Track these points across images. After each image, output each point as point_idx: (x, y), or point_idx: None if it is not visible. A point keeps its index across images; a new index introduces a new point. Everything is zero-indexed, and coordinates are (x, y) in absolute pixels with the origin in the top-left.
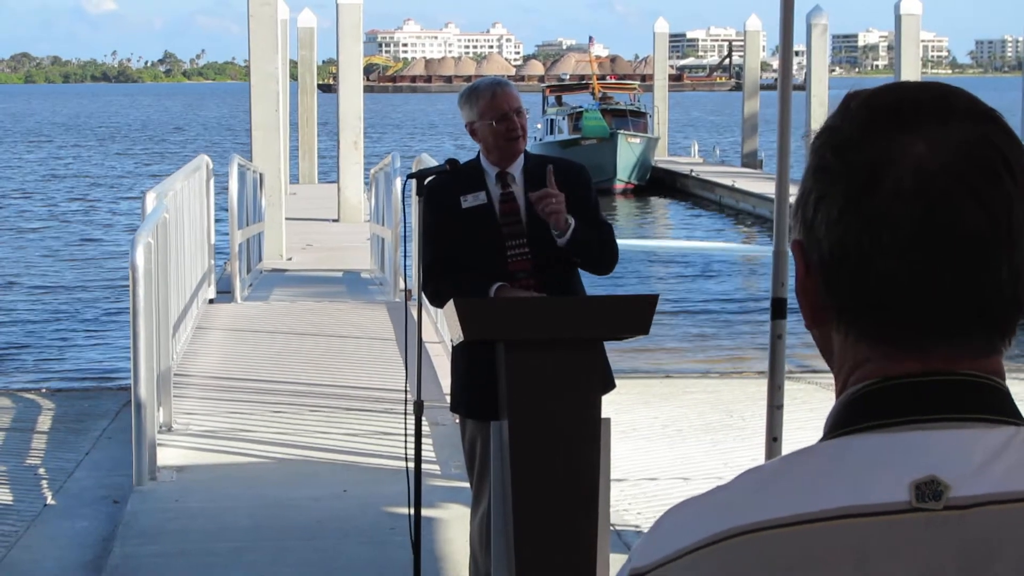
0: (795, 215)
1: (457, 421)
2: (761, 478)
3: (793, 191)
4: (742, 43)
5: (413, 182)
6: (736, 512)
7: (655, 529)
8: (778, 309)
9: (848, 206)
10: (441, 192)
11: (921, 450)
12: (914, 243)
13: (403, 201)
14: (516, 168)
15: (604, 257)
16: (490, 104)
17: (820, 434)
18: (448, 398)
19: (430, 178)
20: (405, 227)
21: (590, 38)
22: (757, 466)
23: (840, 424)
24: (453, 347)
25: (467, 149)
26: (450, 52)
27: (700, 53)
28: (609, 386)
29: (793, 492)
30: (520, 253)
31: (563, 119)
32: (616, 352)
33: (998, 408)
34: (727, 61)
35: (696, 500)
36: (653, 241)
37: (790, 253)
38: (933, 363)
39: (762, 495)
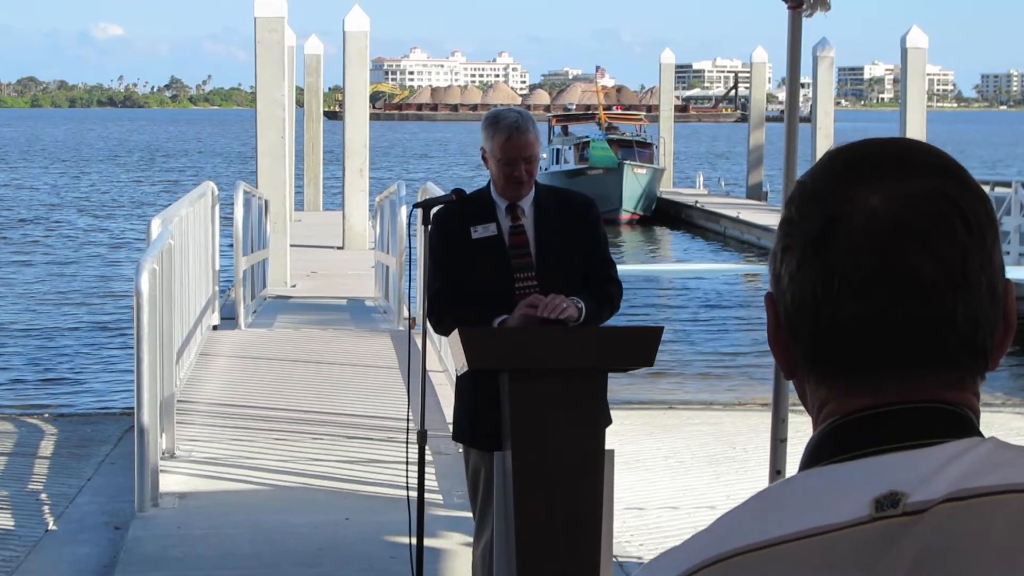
0: (769, 267)
1: (460, 450)
2: (733, 514)
3: None
4: (748, 75)
5: (419, 211)
6: (708, 547)
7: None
8: None
9: (805, 256)
10: (451, 221)
11: (881, 472)
12: (865, 289)
13: (408, 229)
14: (527, 201)
15: (610, 314)
16: (503, 146)
17: None
18: (451, 427)
19: (436, 207)
20: (410, 255)
21: (598, 68)
22: (733, 507)
23: (809, 462)
24: (457, 376)
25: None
26: (456, 81)
27: (706, 84)
28: (606, 421)
29: (760, 521)
30: (528, 286)
31: (569, 149)
32: (619, 383)
33: (958, 432)
34: (733, 92)
35: (676, 548)
36: (656, 266)
37: None
38: (886, 396)
39: (733, 528)
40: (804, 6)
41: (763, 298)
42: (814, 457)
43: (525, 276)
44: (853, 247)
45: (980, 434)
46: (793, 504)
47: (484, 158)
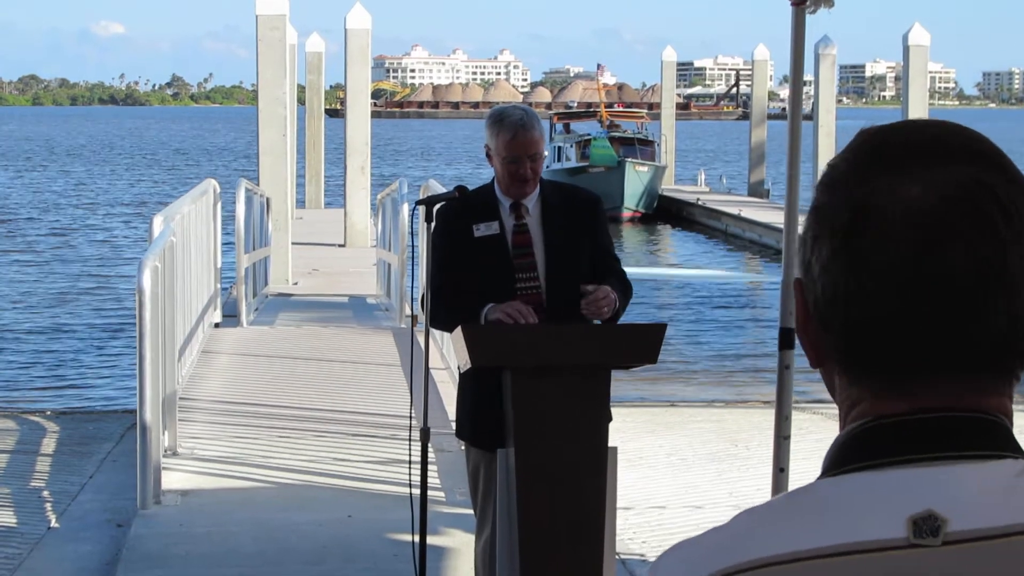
0: (798, 252)
1: (463, 447)
2: (756, 518)
3: (802, 220)
4: (749, 72)
5: (421, 208)
6: (727, 553)
7: (652, 572)
8: (786, 339)
9: (835, 247)
10: (454, 218)
11: (917, 486)
12: (899, 288)
13: (410, 227)
14: (531, 199)
15: (628, 301)
16: (508, 144)
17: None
18: (453, 425)
19: (439, 204)
20: (413, 253)
21: (599, 66)
22: (753, 507)
23: (836, 464)
24: (460, 374)
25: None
26: (457, 78)
27: (707, 82)
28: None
29: (788, 531)
30: (530, 286)
31: (571, 147)
32: (620, 380)
33: (994, 443)
34: (734, 90)
35: (690, 542)
36: (659, 269)
37: None
38: (921, 402)
39: (757, 534)
40: (808, 3)
41: (794, 284)
42: (840, 458)
43: (527, 276)
44: (886, 240)
45: (1018, 446)
46: (823, 514)
47: (488, 155)
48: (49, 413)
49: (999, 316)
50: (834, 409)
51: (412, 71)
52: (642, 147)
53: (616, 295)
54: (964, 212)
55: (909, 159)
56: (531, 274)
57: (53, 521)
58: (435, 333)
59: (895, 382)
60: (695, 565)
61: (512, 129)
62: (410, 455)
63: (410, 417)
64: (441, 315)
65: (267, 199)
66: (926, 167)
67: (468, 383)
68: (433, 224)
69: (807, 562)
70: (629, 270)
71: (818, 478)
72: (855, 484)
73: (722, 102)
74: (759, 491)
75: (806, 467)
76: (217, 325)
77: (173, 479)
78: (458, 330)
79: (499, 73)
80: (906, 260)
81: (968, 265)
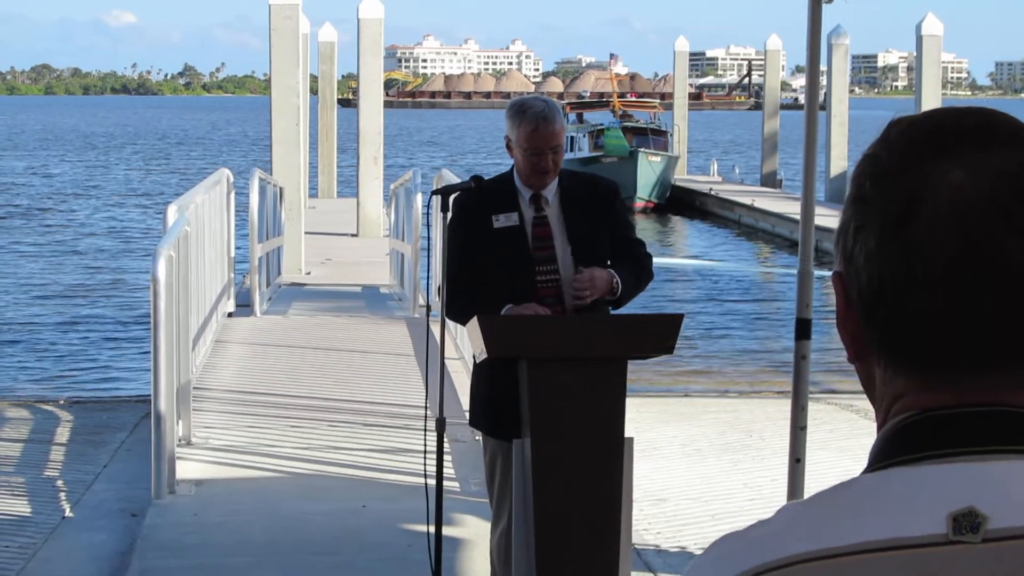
0: (836, 245)
1: (478, 438)
2: (799, 512)
3: (818, 211)
4: (762, 62)
5: (437, 198)
6: (772, 547)
7: (696, 568)
8: (802, 329)
9: (884, 237)
10: (473, 209)
11: (959, 482)
12: (949, 277)
13: (425, 216)
14: (550, 190)
15: (643, 288)
16: (530, 136)
17: (841, 455)
18: (468, 415)
19: (455, 194)
20: (429, 242)
21: (612, 55)
22: (797, 500)
23: (881, 458)
24: (474, 364)
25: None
26: (470, 68)
27: (719, 72)
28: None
29: (830, 525)
30: (549, 279)
31: (583, 137)
32: (635, 370)
33: None
34: (746, 80)
35: (736, 535)
36: (673, 260)
37: (814, 273)
38: (968, 396)
39: (800, 529)
40: None
41: (831, 278)
42: (885, 452)
43: (547, 269)
44: (937, 229)
45: None
46: (863, 509)
47: (508, 146)
48: (63, 402)
49: None
50: (846, 399)
51: (424, 61)
52: (655, 137)
53: (617, 280)
54: (1014, 198)
55: (958, 146)
56: (551, 266)
57: (68, 510)
58: (449, 323)
59: (940, 375)
60: (735, 560)
61: (534, 121)
62: (425, 445)
63: (425, 407)
64: (455, 309)
65: (280, 188)
66: (974, 153)
67: (484, 373)
68: (450, 214)
69: (844, 558)
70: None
71: (863, 471)
72: (896, 479)
73: (734, 92)
74: (774, 482)
75: (821, 457)
76: (231, 315)
77: (187, 469)
78: (474, 321)
79: (511, 63)
80: (958, 247)
81: (1018, 252)
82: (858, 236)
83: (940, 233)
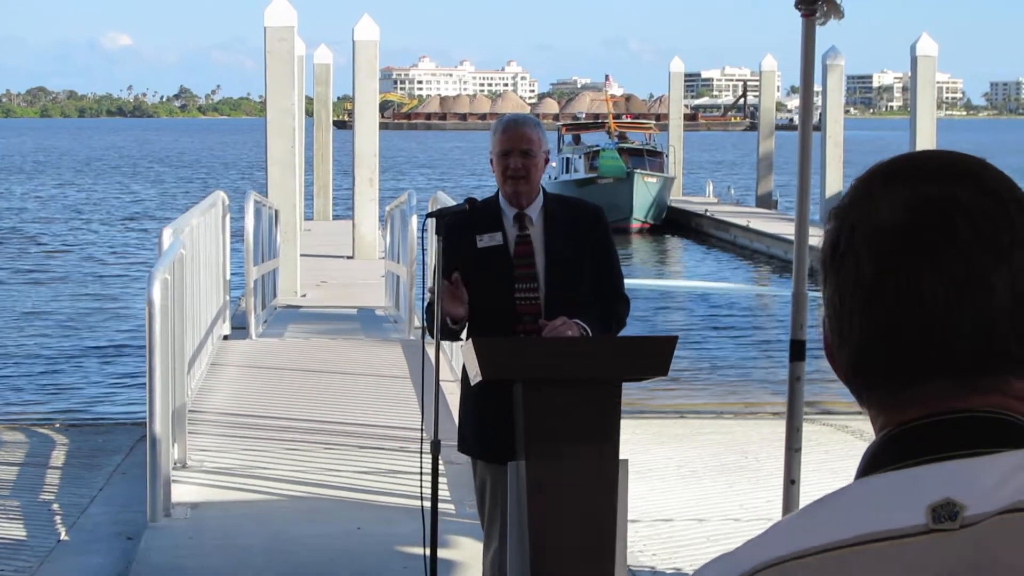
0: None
1: (470, 461)
2: (789, 520)
3: (812, 232)
4: (757, 83)
5: (432, 221)
6: (763, 551)
7: None
8: (796, 351)
9: (826, 271)
10: (457, 229)
11: (936, 479)
12: (868, 301)
13: (419, 239)
14: (535, 209)
15: (617, 332)
16: (499, 140)
17: (835, 476)
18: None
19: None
20: (423, 265)
21: (607, 76)
22: (786, 516)
23: (867, 471)
24: (462, 388)
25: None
26: (465, 90)
27: (715, 93)
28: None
29: (819, 527)
30: (529, 297)
31: (579, 158)
32: (629, 392)
33: (1007, 438)
34: (742, 101)
35: (727, 553)
36: (668, 281)
37: (809, 295)
38: (930, 407)
39: (789, 534)
40: (818, 14)
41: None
42: (871, 464)
43: (527, 287)
44: (854, 258)
45: None
46: (849, 510)
47: (491, 164)
48: (59, 425)
49: (967, 323)
50: (841, 420)
51: (419, 82)
52: (651, 158)
53: (582, 329)
54: (929, 226)
55: (889, 183)
56: (531, 284)
57: (63, 534)
58: (445, 345)
59: (899, 392)
60: (732, 566)
61: (503, 124)
62: (421, 467)
63: (421, 429)
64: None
65: (276, 211)
66: (900, 187)
67: (474, 396)
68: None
69: (833, 552)
70: (638, 282)
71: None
72: (878, 482)
73: (729, 113)
74: (769, 503)
75: (816, 478)
76: (226, 337)
77: (183, 492)
78: (468, 343)
79: (506, 84)
80: (872, 274)
81: (933, 277)
82: (822, 271)
83: (857, 262)
